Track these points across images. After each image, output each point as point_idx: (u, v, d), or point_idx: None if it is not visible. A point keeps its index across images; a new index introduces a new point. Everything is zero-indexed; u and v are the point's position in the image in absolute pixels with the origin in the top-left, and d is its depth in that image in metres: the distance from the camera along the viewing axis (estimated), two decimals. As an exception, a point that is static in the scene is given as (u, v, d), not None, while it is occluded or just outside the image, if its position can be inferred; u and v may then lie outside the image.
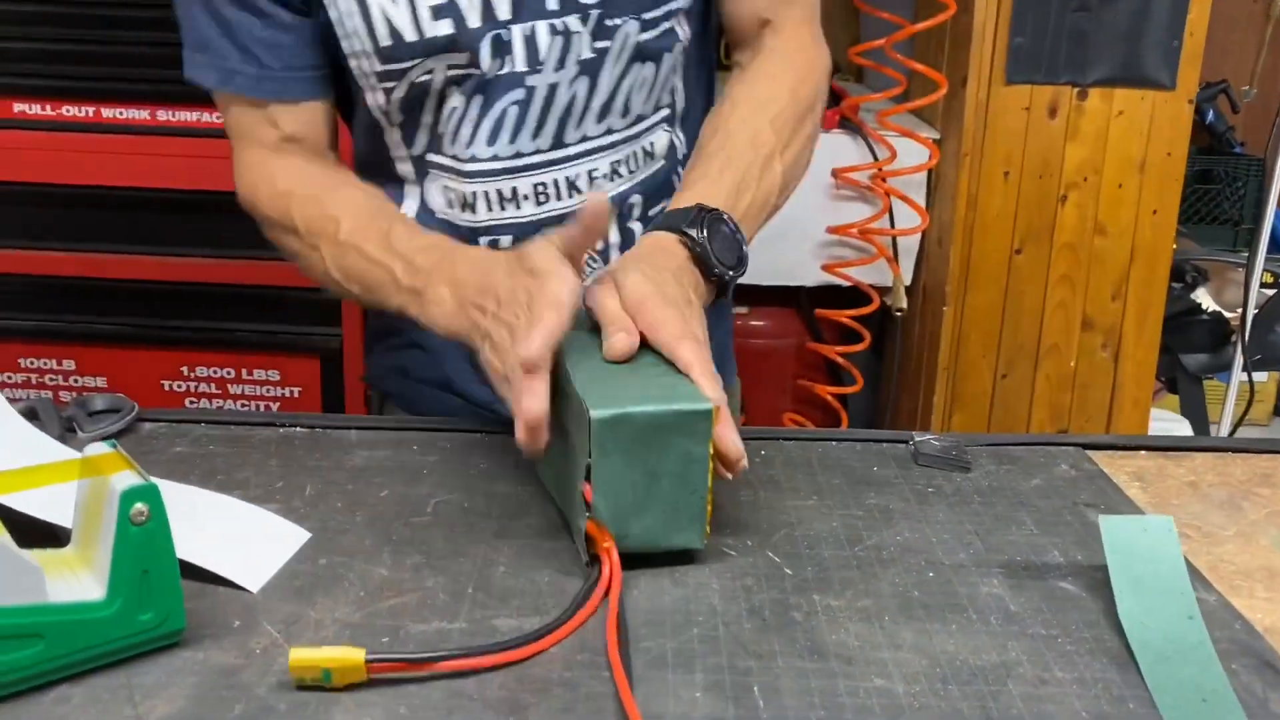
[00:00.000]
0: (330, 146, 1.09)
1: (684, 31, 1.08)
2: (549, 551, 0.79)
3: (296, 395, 2.26)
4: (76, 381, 2.26)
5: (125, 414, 0.97)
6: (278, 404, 2.26)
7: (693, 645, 0.68)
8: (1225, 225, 3.15)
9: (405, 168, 1.08)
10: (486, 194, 1.05)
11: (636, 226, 1.11)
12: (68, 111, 2.13)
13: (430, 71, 1.00)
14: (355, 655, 0.63)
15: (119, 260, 2.19)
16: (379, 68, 1.00)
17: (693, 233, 0.90)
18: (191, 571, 0.72)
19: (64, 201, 2.17)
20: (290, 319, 2.21)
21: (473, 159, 1.03)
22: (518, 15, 0.99)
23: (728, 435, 0.78)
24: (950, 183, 2.28)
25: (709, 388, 0.77)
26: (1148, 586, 0.73)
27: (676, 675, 0.65)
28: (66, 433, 0.93)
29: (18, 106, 2.13)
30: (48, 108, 2.13)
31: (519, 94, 1.01)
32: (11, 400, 0.91)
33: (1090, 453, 0.99)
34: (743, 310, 2.41)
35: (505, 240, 1.06)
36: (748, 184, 0.98)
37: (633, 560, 0.77)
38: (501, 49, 0.99)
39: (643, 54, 1.04)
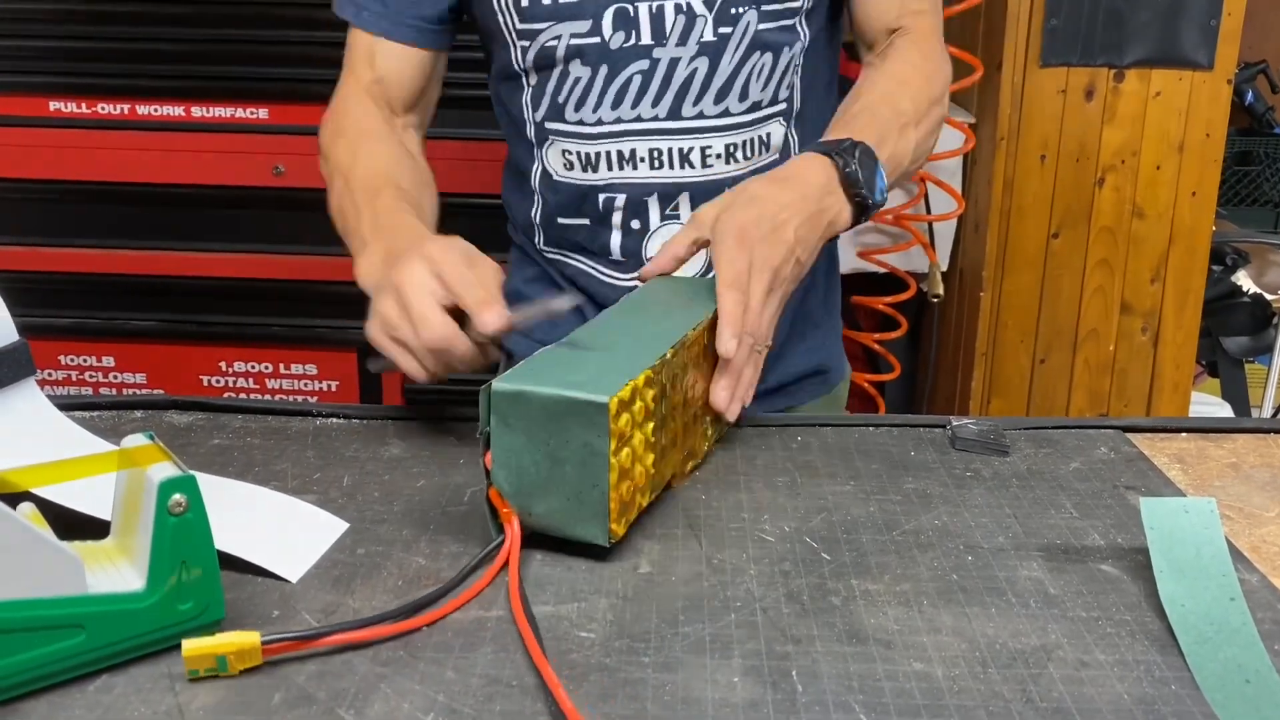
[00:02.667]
0: (411, 100, 1.21)
1: (804, 31, 1.15)
2: (584, 540, 0.79)
3: (334, 388, 2.27)
4: (116, 378, 2.29)
5: None
6: (316, 397, 2.27)
7: (730, 630, 0.68)
8: (1265, 207, 3.11)
9: (531, 131, 1.18)
10: (608, 154, 1.15)
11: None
12: (103, 109, 2.15)
13: (557, 38, 1.11)
14: (250, 639, 0.64)
15: (156, 256, 2.21)
16: (519, 25, 1.12)
17: (845, 156, 0.99)
18: (230, 562, 0.72)
19: (100, 198, 2.18)
20: (327, 313, 2.22)
21: (599, 122, 1.14)
22: None
23: (718, 381, 0.89)
24: (986, 167, 2.26)
25: (723, 340, 0.87)
26: (1189, 568, 0.72)
27: (715, 660, 0.65)
28: None
29: (53, 105, 2.15)
30: (83, 105, 2.15)
31: (643, 64, 1.11)
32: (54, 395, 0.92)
33: (1130, 435, 0.98)
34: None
35: (620, 199, 1.16)
36: (887, 139, 1.05)
37: (666, 545, 0.77)
38: (627, 23, 1.10)
39: (762, 44, 1.12)
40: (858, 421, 1.01)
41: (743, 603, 0.71)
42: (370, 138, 1.15)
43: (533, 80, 1.16)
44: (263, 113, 2.13)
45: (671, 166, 1.14)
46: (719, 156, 1.14)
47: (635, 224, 1.17)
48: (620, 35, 1.10)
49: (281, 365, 2.27)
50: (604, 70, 1.12)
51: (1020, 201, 2.24)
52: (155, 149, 2.15)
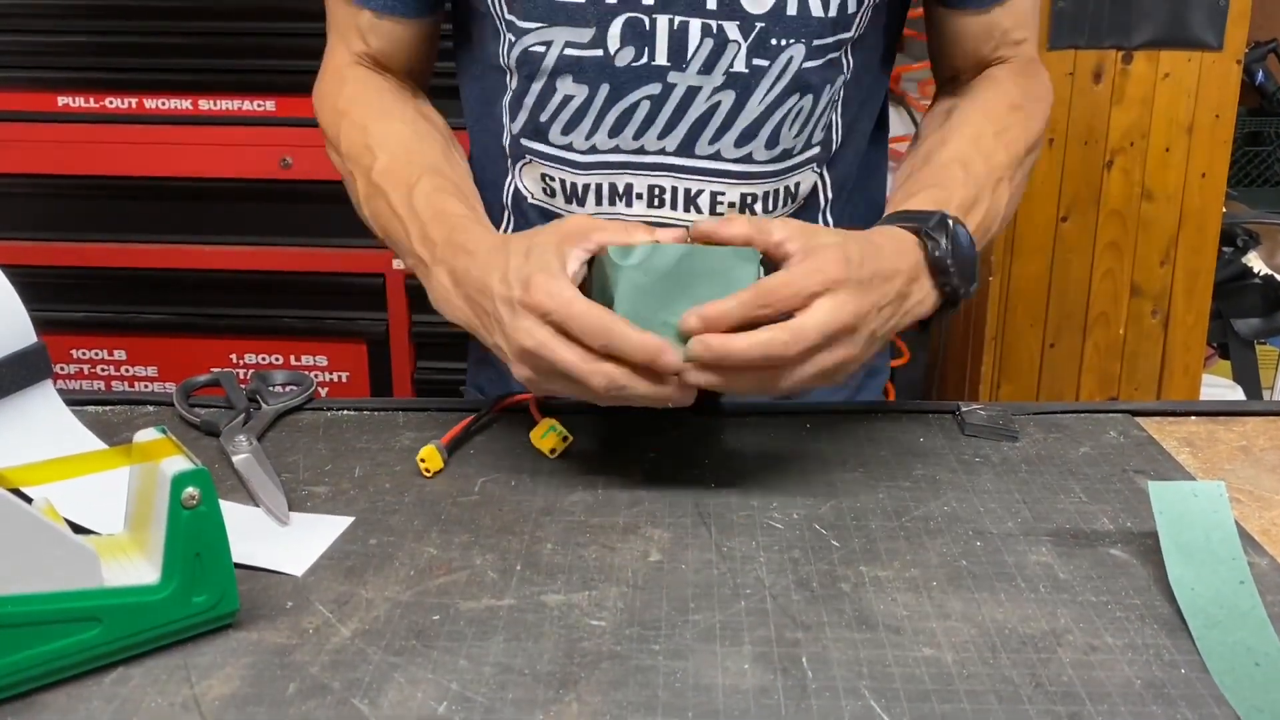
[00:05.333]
0: (412, 73, 1.07)
1: (848, 62, 0.97)
2: (595, 528, 0.79)
3: (344, 380, 2.28)
4: (127, 371, 2.30)
5: (305, 387, 1.01)
6: (326, 389, 2.28)
7: (740, 617, 0.68)
8: (1277, 187, 3.09)
9: (505, 141, 1.02)
10: (598, 186, 0.98)
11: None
12: (111, 103, 2.16)
13: (547, 44, 0.93)
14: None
15: (166, 250, 2.22)
16: (506, 13, 0.94)
17: (938, 237, 0.84)
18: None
19: (109, 193, 2.20)
20: (336, 305, 2.23)
21: (592, 149, 0.96)
22: (666, 4, 0.91)
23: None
24: (993, 151, 2.25)
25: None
26: (1198, 552, 0.72)
27: (725, 647, 0.65)
28: (250, 405, 0.97)
29: (62, 100, 2.16)
30: (91, 100, 2.16)
31: (654, 88, 0.93)
32: (66, 389, 0.92)
33: (1139, 419, 0.98)
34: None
35: None
36: (980, 202, 0.92)
37: (675, 533, 0.78)
38: (639, 37, 0.91)
39: (804, 85, 0.94)
40: (866, 408, 1.01)
41: (752, 590, 0.72)
42: (379, 116, 0.99)
43: (513, 84, 0.98)
44: (270, 105, 2.14)
45: (674, 207, 0.97)
46: (732, 206, 0.97)
47: None
48: (630, 51, 0.92)
49: (292, 357, 2.28)
50: (604, 91, 0.93)
51: (1028, 185, 2.23)
52: (163, 143, 2.16)
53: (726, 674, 0.63)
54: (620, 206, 0.98)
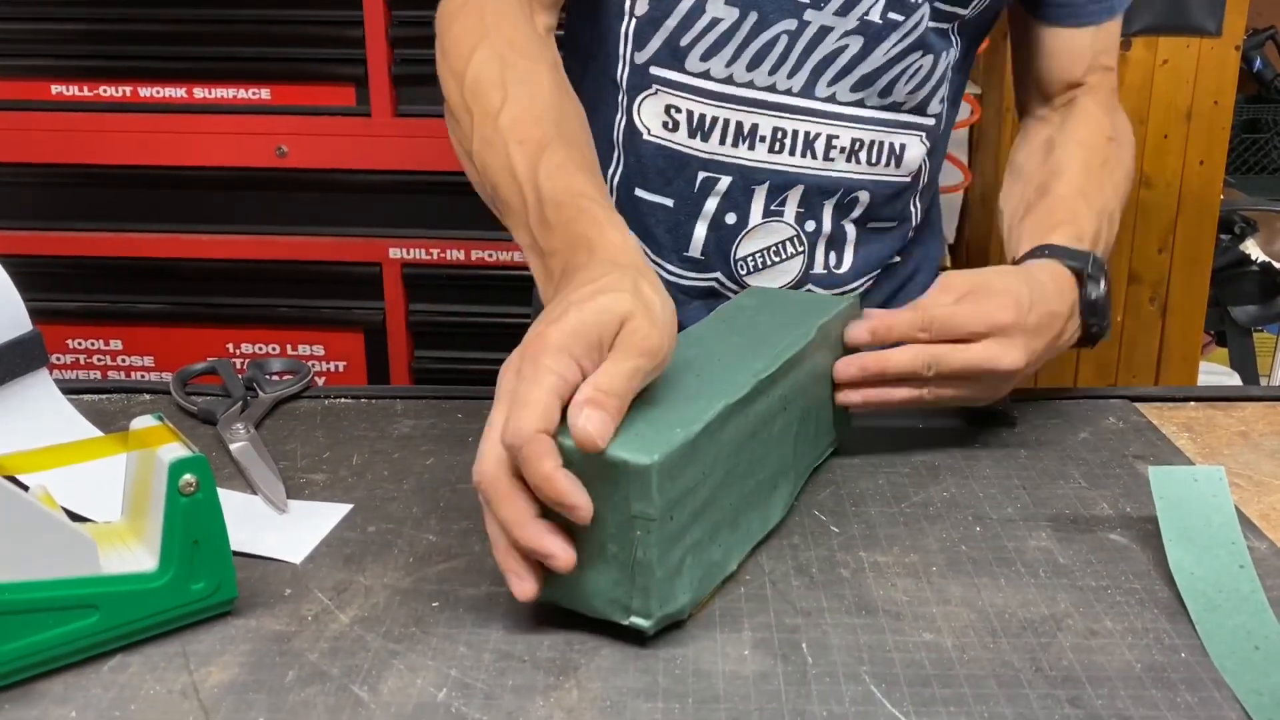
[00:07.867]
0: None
1: (956, 40, 1.01)
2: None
3: (341, 369, 2.28)
4: (124, 361, 2.29)
5: (302, 375, 1.01)
6: (323, 378, 2.28)
7: (740, 604, 0.68)
8: (1274, 175, 3.10)
9: (622, 73, 0.99)
10: (726, 122, 0.97)
11: (850, 229, 1.04)
12: (105, 92, 2.15)
13: None
14: None
15: (161, 239, 2.21)
16: None
17: (1098, 278, 0.89)
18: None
19: (104, 182, 2.19)
20: (333, 293, 2.22)
21: (729, 80, 0.96)
22: None
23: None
24: (992, 139, 2.25)
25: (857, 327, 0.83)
26: (1198, 536, 0.72)
27: (725, 633, 0.65)
28: (248, 393, 0.97)
29: (55, 88, 2.15)
30: (85, 89, 2.15)
31: (791, 23, 0.94)
32: (62, 380, 0.92)
33: (1138, 405, 0.98)
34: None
35: (724, 182, 0.99)
36: (1101, 234, 0.96)
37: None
38: None
39: (924, 45, 0.97)
40: (865, 394, 1.00)
41: (752, 576, 0.71)
42: (520, 54, 0.86)
43: (641, 9, 0.95)
44: (265, 93, 2.13)
45: (792, 153, 0.98)
46: (842, 151, 0.99)
47: (730, 218, 1.00)
48: None
49: (289, 346, 2.27)
50: (752, 18, 0.93)
51: (1026, 172, 2.23)
52: (158, 131, 2.15)
53: (727, 660, 0.63)
54: (742, 149, 0.98)
